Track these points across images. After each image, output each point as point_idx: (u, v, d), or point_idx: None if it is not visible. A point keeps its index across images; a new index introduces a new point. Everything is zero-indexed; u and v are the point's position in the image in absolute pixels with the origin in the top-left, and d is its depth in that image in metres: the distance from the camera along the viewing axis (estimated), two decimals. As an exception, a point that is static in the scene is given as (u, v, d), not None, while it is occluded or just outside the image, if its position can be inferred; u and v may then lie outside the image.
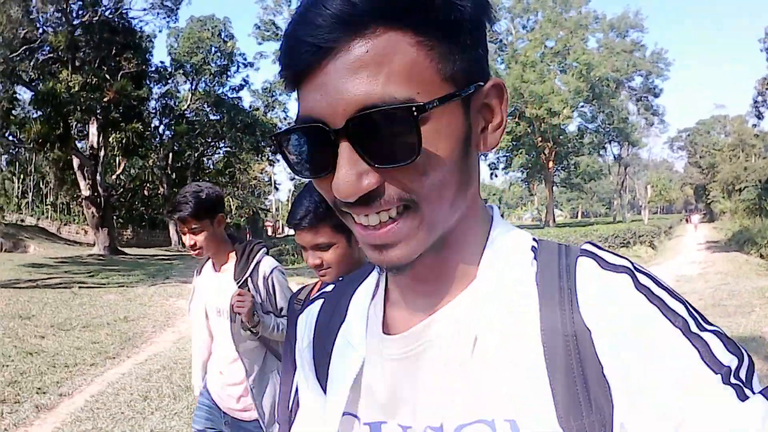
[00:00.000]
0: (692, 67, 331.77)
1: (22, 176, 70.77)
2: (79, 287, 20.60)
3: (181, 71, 52.45)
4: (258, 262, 3.64)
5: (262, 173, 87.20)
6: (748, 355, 0.78)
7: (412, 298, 0.96)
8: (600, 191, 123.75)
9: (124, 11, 42.50)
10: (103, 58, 40.54)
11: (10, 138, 42.60)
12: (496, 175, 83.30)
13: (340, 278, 2.06)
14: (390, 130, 0.76)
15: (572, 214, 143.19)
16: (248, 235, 51.33)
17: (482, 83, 0.84)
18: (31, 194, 68.05)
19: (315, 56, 0.77)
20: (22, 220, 56.36)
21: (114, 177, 45.97)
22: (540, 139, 67.98)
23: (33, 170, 66.22)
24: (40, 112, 37.87)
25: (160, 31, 51.33)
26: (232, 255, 3.72)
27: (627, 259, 0.88)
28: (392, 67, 0.75)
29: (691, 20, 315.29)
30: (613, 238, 35.40)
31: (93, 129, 41.10)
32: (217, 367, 3.78)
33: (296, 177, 2.21)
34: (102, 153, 41.50)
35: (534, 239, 0.96)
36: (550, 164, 70.60)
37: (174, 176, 51.09)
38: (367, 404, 0.99)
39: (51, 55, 39.17)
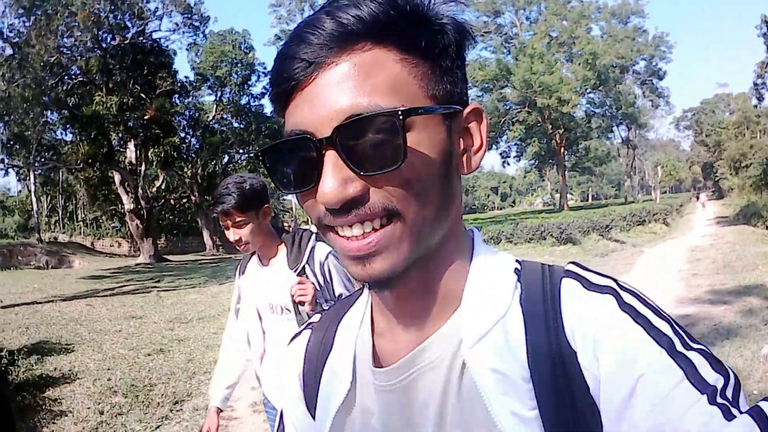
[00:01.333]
0: (694, 47, 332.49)
1: (49, 195, 71.71)
2: (158, 291, 21.56)
3: (206, 84, 53.94)
4: (312, 249, 3.53)
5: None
6: (734, 374, 0.79)
7: (399, 328, 0.98)
8: (609, 173, 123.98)
9: (149, 32, 44.28)
10: (135, 78, 42.19)
11: (52, 159, 43.91)
12: (508, 164, 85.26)
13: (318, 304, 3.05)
14: (376, 136, 0.79)
15: (583, 198, 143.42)
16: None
17: (461, 107, 0.90)
18: (61, 212, 68.97)
19: (306, 71, 0.82)
20: (56, 237, 57.71)
21: (154, 189, 47.37)
22: (550, 126, 69.43)
23: (61, 189, 67.23)
24: (81, 134, 39.93)
25: (182, 49, 52.57)
26: (281, 247, 3.57)
27: (611, 278, 0.90)
28: (377, 79, 0.80)
29: (690, 2, 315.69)
30: (630, 217, 36.85)
31: (131, 146, 43.05)
32: (271, 366, 3.64)
33: (282, 192, 1.00)
34: (143, 167, 43.27)
35: (517, 261, 0.98)
36: (562, 150, 71.93)
37: (204, 184, 52.27)
38: None
39: (81, 78, 40.81)
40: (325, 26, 0.81)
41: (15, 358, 9.66)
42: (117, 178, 42.99)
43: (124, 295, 21.04)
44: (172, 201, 54.03)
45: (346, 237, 0.84)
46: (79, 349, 11.33)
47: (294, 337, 1.21)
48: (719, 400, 0.74)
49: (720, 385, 0.75)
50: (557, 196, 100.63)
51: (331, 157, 0.80)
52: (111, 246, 59.15)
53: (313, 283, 3.30)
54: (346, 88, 0.79)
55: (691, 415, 0.73)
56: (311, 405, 1.09)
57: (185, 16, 46.25)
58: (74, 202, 71.16)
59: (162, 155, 43.33)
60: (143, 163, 43.60)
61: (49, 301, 18.94)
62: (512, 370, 0.84)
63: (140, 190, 42.96)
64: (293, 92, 0.83)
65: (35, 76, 36.46)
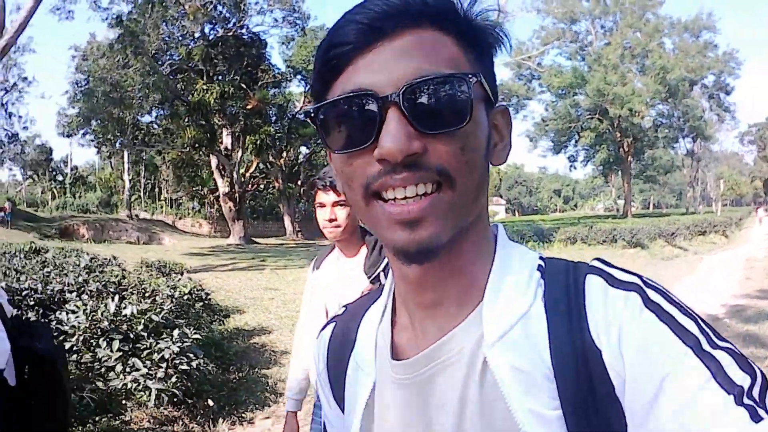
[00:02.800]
0: (763, 63, 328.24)
1: (130, 174, 74.77)
2: (271, 269, 22.06)
3: (299, 77, 55.18)
4: None
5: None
6: (762, 373, 0.75)
7: (420, 321, 0.97)
8: (672, 183, 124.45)
9: (251, 26, 46.56)
10: (235, 69, 44.40)
11: (144, 141, 46.81)
12: (575, 167, 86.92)
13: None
14: (442, 97, 0.81)
15: (644, 205, 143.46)
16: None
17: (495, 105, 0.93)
18: (143, 191, 71.23)
19: (371, 36, 0.82)
20: (137, 215, 60.50)
21: (248, 174, 49.29)
22: (619, 134, 70.74)
23: (144, 169, 69.96)
24: (186, 119, 42.30)
25: (279, 42, 54.79)
26: (363, 249, 3.50)
27: (636, 274, 0.88)
28: (441, 54, 0.84)
29: (760, 19, 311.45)
30: (693, 227, 39.23)
31: (226, 132, 45.53)
32: None
33: (334, 151, 0.99)
34: (239, 154, 45.78)
35: (540, 257, 0.97)
36: (629, 158, 73.14)
37: (288, 172, 54.19)
38: (380, 429, 1.01)
39: (183, 66, 43.46)
40: (391, 1, 0.84)
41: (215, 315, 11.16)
42: (213, 162, 45.38)
43: (240, 271, 21.96)
44: (261, 186, 56.13)
45: (396, 201, 0.84)
46: (250, 311, 12.91)
47: (320, 331, 1.24)
48: (746, 400, 0.71)
49: (747, 384, 0.73)
50: (619, 201, 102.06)
51: (395, 113, 0.80)
52: (192, 226, 61.42)
53: None
54: (412, 55, 0.82)
55: (717, 417, 0.71)
56: (339, 400, 1.13)
57: (286, 12, 48.04)
58: (156, 181, 74.24)
59: (257, 143, 45.28)
60: (240, 150, 45.98)
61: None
62: (535, 368, 0.83)
63: (235, 175, 45.11)
64: (353, 57, 0.84)
65: (150, 63, 39.42)
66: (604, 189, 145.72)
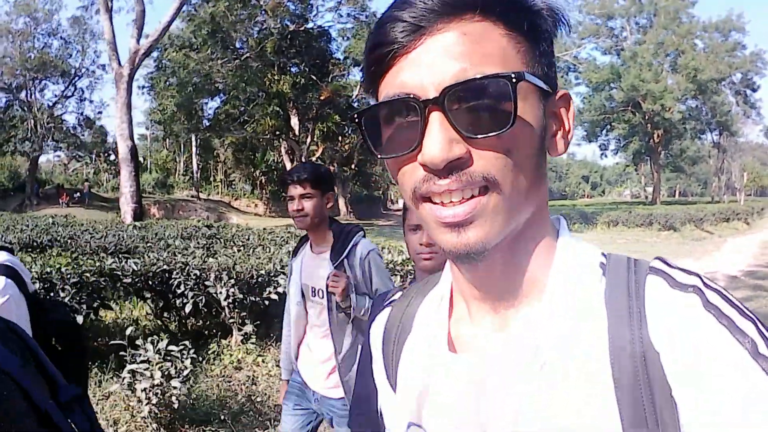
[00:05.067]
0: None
1: (184, 157, 77.50)
2: None
3: (357, 67, 56.15)
4: (355, 244, 3.63)
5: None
6: None
7: (479, 314, 0.96)
8: (698, 172, 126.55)
9: (321, 22, 50.03)
10: (306, 61, 48.10)
11: (214, 128, 50.29)
12: (606, 155, 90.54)
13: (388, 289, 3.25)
14: (485, 100, 0.78)
15: (669, 193, 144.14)
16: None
17: (554, 91, 0.89)
18: (198, 173, 72.63)
19: (414, 34, 0.80)
20: (193, 195, 62.63)
21: (315, 159, 51.17)
22: (650, 126, 74.54)
23: (198, 151, 71.04)
24: (266, 107, 46.26)
25: (340, 36, 57.62)
26: (330, 237, 3.69)
27: (696, 275, 0.85)
28: (486, 50, 0.79)
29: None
30: (718, 214, 43.78)
31: (295, 120, 49.28)
32: (308, 345, 3.81)
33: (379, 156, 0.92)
34: (308, 140, 49.67)
35: (602, 254, 0.94)
36: (659, 149, 76.94)
37: (343, 156, 57.30)
38: (435, 419, 0.99)
39: (256, 58, 46.12)
40: None
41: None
42: (284, 147, 49.72)
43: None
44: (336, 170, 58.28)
45: (443, 204, 0.82)
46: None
47: (376, 314, 1.25)
48: None
49: None
50: (647, 189, 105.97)
51: (437, 117, 0.78)
52: (247, 206, 63.64)
53: (347, 277, 3.48)
54: (454, 53, 0.79)
55: None
56: (391, 377, 1.13)
57: (356, 10, 50.90)
58: (211, 164, 76.84)
59: (324, 130, 49.72)
60: (308, 136, 49.90)
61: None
62: (594, 367, 0.82)
63: (303, 159, 47.52)
64: (396, 56, 0.82)
65: (237, 56, 43.60)
66: (630, 176, 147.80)
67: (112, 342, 5.89)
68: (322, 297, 3.63)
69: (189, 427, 5.69)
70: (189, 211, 47.35)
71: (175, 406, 5.44)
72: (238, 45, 46.24)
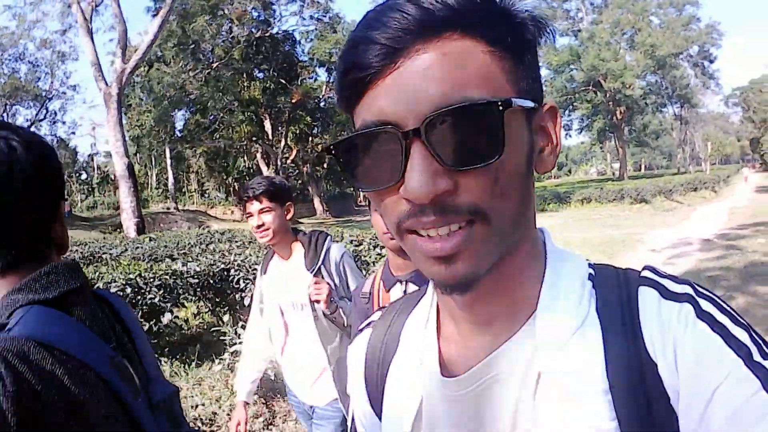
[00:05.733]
0: (744, 31, 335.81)
1: (156, 170, 76.89)
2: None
3: (323, 68, 57.48)
4: (327, 250, 3.59)
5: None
6: None
7: (469, 334, 0.93)
8: (662, 145, 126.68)
9: (282, 27, 50.69)
10: (272, 66, 49.13)
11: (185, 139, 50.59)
12: (570, 135, 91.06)
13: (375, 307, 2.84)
14: (470, 128, 0.73)
15: (635, 168, 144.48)
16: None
17: (540, 104, 0.84)
18: (171, 184, 71.06)
19: (390, 57, 0.74)
20: (168, 207, 60.45)
21: (290, 161, 53.28)
22: (612, 104, 75.42)
23: (171, 163, 69.72)
24: (241, 115, 46.94)
25: (304, 39, 57.99)
26: (297, 246, 3.67)
27: (688, 283, 0.85)
28: (469, 71, 0.74)
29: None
30: (686, 185, 45.88)
31: (268, 124, 49.93)
32: (292, 359, 3.75)
33: (359, 189, 0.88)
34: (282, 143, 50.28)
35: (590, 265, 0.93)
36: (623, 125, 78.05)
37: (315, 156, 57.18)
38: None
39: (214, 65, 46.63)
40: (409, 11, 0.74)
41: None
42: (259, 152, 50.27)
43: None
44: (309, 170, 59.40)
45: (429, 237, 0.78)
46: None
47: (356, 335, 1.20)
48: None
49: None
50: (613, 166, 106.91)
51: (419, 149, 0.73)
52: (224, 213, 62.27)
53: (328, 283, 3.41)
54: (434, 77, 0.73)
55: (766, 426, 0.70)
56: (376, 405, 1.09)
57: (318, 12, 51.89)
58: (183, 174, 76.49)
59: (296, 132, 50.29)
60: (282, 139, 50.56)
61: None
62: (590, 381, 0.80)
63: (279, 162, 49.36)
64: (372, 81, 0.76)
65: (208, 67, 44.16)
66: (595, 154, 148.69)
67: (191, 334, 6.68)
68: (302, 309, 3.60)
69: (280, 398, 6.47)
70: (169, 223, 46.42)
71: (272, 377, 6.26)
72: (207, 55, 46.82)
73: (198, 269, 8.06)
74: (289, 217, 3.60)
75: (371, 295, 2.96)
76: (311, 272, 3.50)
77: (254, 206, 3.48)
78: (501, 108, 0.73)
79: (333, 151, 0.83)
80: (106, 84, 26.48)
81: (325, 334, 3.55)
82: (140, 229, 25.19)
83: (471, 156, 0.73)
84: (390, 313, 1.14)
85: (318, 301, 3.40)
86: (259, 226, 3.49)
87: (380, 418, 1.06)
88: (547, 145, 0.87)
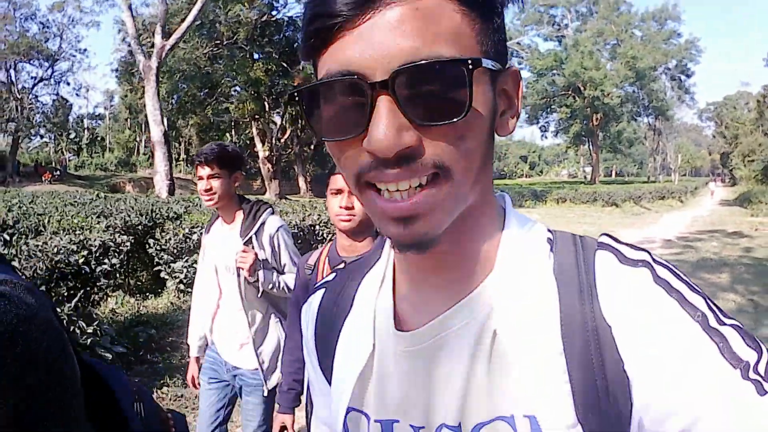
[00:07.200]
0: (722, 48, 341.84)
1: (146, 137, 73.94)
2: None
3: None
4: (263, 222, 3.63)
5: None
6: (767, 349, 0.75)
7: (426, 292, 0.91)
8: (634, 153, 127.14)
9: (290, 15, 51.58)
10: (276, 49, 50.01)
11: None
12: (546, 137, 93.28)
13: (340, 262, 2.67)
14: (438, 85, 0.72)
15: (606, 173, 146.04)
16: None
17: (504, 67, 0.82)
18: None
19: (361, 8, 0.71)
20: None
21: (283, 140, 54.42)
22: (589, 110, 77.54)
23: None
24: (247, 93, 48.66)
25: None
26: (239, 213, 3.70)
27: (645, 251, 0.85)
28: (440, 27, 0.72)
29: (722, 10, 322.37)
30: (655, 192, 48.50)
31: (265, 104, 50.60)
32: (221, 319, 3.78)
33: (321, 138, 0.80)
34: (279, 122, 51.63)
35: (549, 230, 0.92)
36: (598, 131, 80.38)
37: (302, 136, 58.44)
38: (378, 401, 0.95)
39: (232, 48, 48.22)
40: None
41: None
42: (254, 129, 51.60)
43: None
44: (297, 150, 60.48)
45: (389, 196, 0.76)
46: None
47: (308, 296, 1.17)
48: (752, 375, 0.71)
49: (753, 360, 0.72)
50: (586, 169, 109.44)
51: (385, 102, 0.71)
52: None
53: (255, 253, 3.49)
54: (406, 31, 0.70)
55: (723, 390, 0.70)
56: (326, 368, 1.07)
57: None
58: (174, 144, 75.34)
59: (294, 113, 49.60)
60: (280, 119, 51.82)
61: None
62: (545, 341, 0.80)
63: (273, 140, 50.93)
64: (340, 30, 0.73)
65: (219, 46, 45.99)
66: (568, 157, 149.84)
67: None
68: (233, 273, 3.65)
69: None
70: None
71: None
72: (218, 35, 48.18)
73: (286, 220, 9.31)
74: (236, 185, 3.70)
75: (316, 268, 3.05)
76: (243, 240, 3.61)
77: (205, 171, 3.57)
78: (471, 67, 0.72)
79: (296, 98, 0.80)
80: (146, 58, 28.37)
81: (250, 303, 3.67)
82: (171, 191, 27.31)
83: (437, 113, 0.72)
84: (344, 274, 1.13)
85: (241, 269, 3.53)
86: (207, 190, 3.58)
87: (330, 383, 1.06)
88: (509, 108, 0.86)
